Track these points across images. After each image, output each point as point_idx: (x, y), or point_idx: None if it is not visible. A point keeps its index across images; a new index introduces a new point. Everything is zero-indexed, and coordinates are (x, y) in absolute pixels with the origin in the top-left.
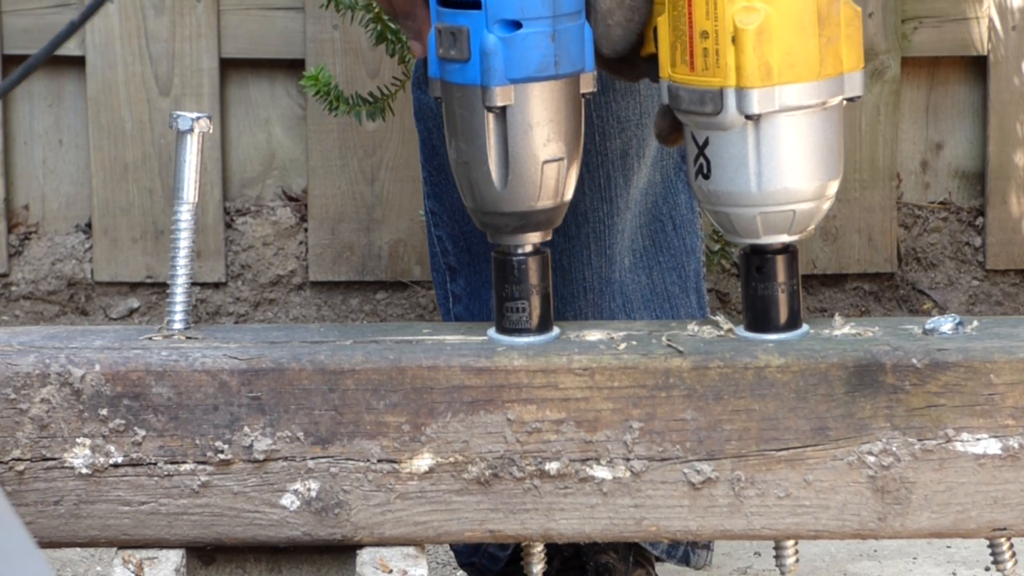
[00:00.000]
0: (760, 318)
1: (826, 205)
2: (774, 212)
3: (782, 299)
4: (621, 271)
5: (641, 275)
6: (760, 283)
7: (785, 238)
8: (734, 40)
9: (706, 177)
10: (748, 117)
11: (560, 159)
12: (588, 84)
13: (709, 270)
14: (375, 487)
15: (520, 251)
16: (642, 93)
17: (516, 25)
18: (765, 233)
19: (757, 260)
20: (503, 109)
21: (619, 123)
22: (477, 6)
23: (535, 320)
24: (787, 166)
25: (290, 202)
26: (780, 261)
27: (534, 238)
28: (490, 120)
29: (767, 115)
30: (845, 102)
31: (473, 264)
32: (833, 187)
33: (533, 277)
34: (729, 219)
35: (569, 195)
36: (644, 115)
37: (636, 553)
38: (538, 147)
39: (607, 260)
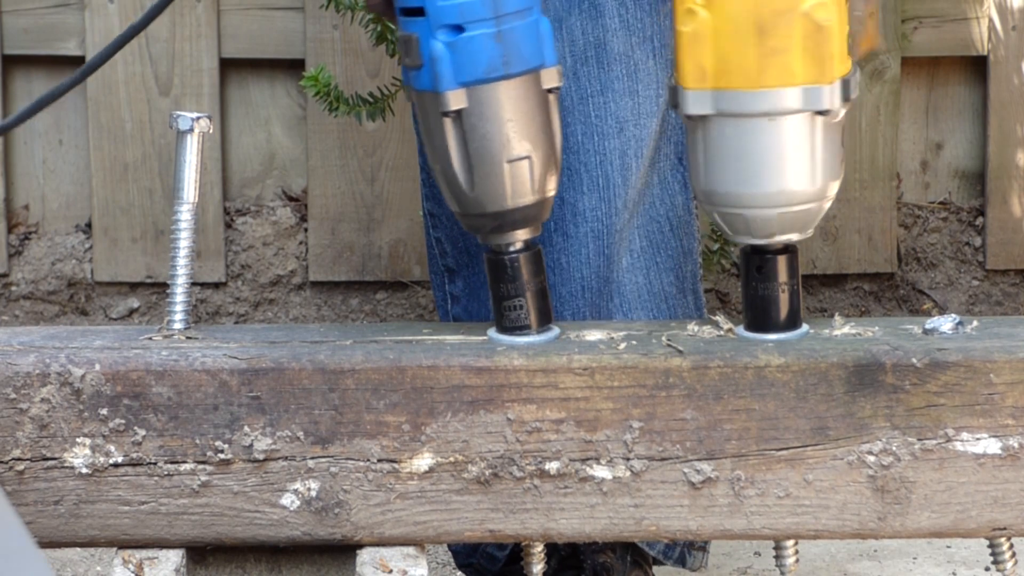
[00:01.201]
0: (760, 317)
1: (788, 209)
2: (726, 212)
3: (782, 299)
4: (619, 271)
5: (638, 275)
6: (759, 283)
7: (749, 239)
8: (677, 39)
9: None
10: (688, 117)
11: (525, 157)
12: (551, 79)
13: (709, 270)
14: (375, 487)
15: (511, 249)
16: (640, 94)
17: (459, 29)
18: (734, 233)
19: (757, 260)
20: (459, 112)
21: (617, 123)
22: (422, 13)
23: (534, 316)
24: (730, 170)
25: (290, 202)
26: (778, 261)
27: (521, 236)
28: (448, 124)
29: (710, 117)
30: (816, 115)
31: (471, 265)
32: (797, 195)
33: (526, 274)
34: (708, 215)
35: (551, 191)
36: (642, 116)
37: (634, 553)
38: (499, 148)
39: (606, 260)
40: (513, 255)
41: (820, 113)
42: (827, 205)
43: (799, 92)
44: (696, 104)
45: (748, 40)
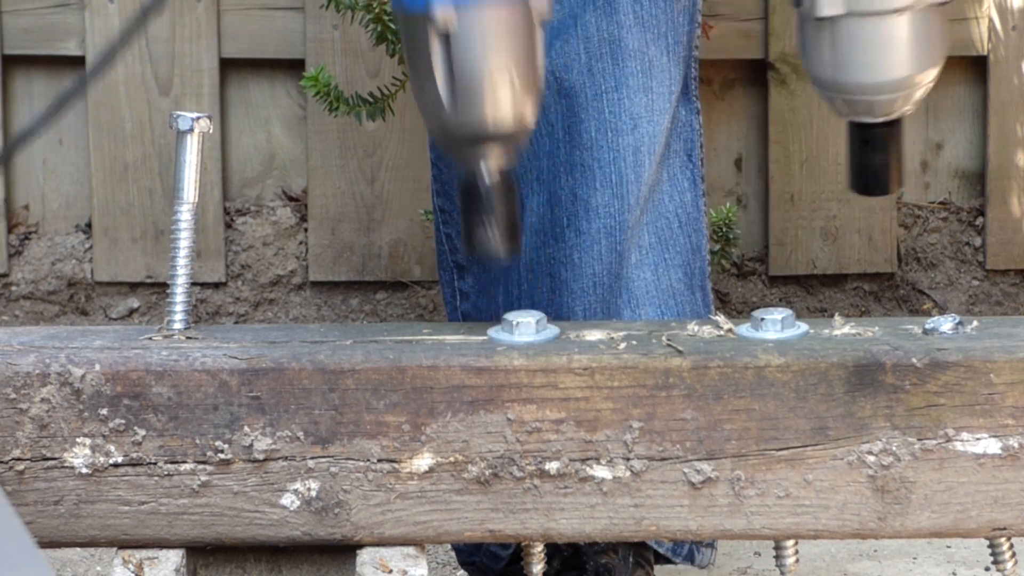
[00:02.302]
0: (871, 183)
1: (911, 92)
2: (852, 99)
3: (892, 164)
4: (628, 267)
5: (646, 272)
6: (867, 154)
7: (870, 119)
8: None
9: None
10: (819, 19)
11: (508, 83)
12: (541, 9)
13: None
14: (375, 487)
15: (486, 176)
16: (654, 91)
17: None
18: (853, 114)
19: (867, 133)
20: (446, 34)
21: (631, 120)
22: None
23: (503, 244)
24: (860, 64)
25: (290, 202)
26: (889, 132)
27: (498, 159)
28: (435, 44)
29: (841, 17)
30: (936, 6)
31: (481, 261)
32: (920, 78)
33: (499, 201)
34: (827, 99)
35: (528, 122)
36: (656, 112)
37: (636, 554)
38: (484, 71)
39: (617, 256)
40: (488, 183)
41: (944, 4)
42: (932, 83)
43: None
44: (829, 6)
45: None
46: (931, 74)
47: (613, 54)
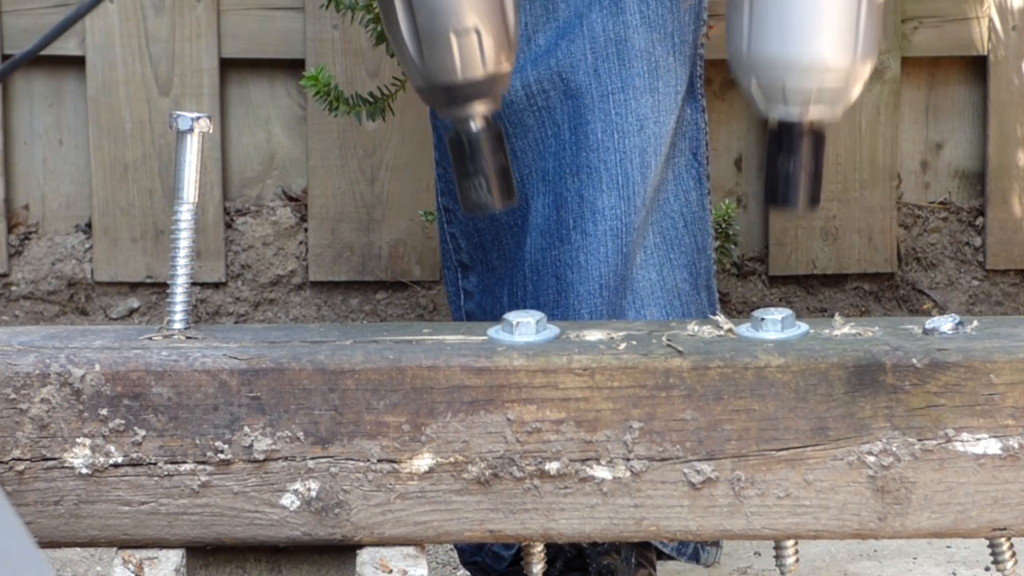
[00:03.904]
0: (781, 192)
1: (825, 80)
2: (764, 79)
3: (803, 176)
4: (633, 268)
5: (651, 272)
6: (780, 159)
7: (783, 108)
8: None
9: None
10: None
11: (473, 29)
12: None
13: None
14: (375, 487)
15: (471, 126)
16: (660, 91)
17: None
18: (767, 102)
19: (784, 135)
20: None
21: (638, 121)
22: None
23: (496, 194)
24: (775, 34)
25: (290, 202)
26: (805, 139)
27: (478, 110)
28: None
29: None
30: None
31: (485, 260)
32: (836, 65)
33: (486, 152)
34: (743, 86)
35: (505, 67)
36: (662, 113)
37: (638, 554)
38: (445, 20)
39: (624, 258)
40: (473, 133)
41: None
42: (858, 89)
43: None
44: None
45: None
46: (852, 66)
47: (619, 54)
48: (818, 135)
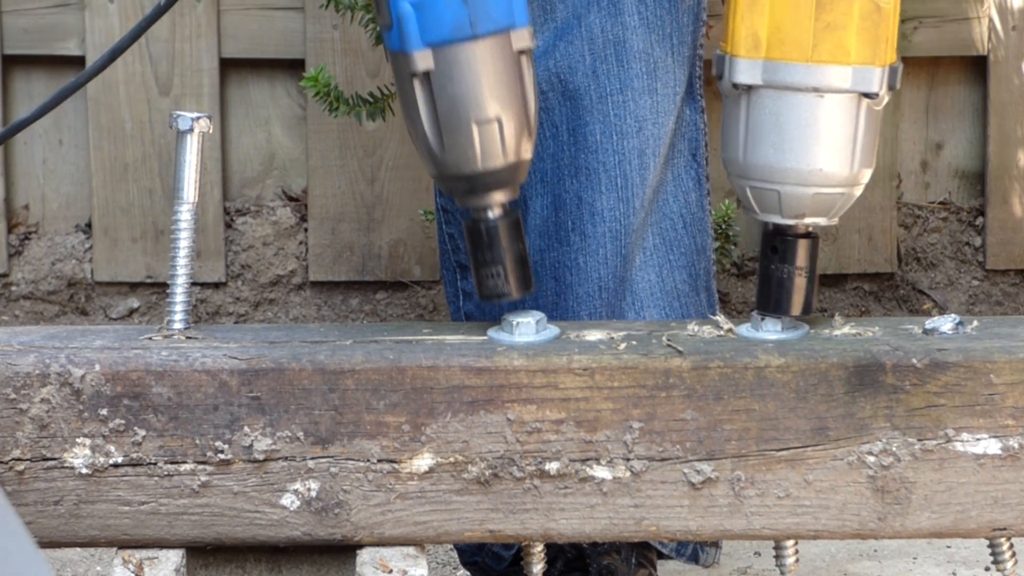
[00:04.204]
0: (773, 299)
1: (822, 190)
2: (760, 187)
3: (797, 283)
4: (632, 269)
5: (651, 273)
6: (777, 264)
7: (778, 218)
8: (732, 6)
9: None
10: (735, 86)
11: (495, 119)
12: (522, 40)
13: None
14: (375, 487)
15: (488, 216)
16: (659, 92)
17: None
18: (761, 211)
19: (778, 241)
20: (428, 74)
21: (636, 122)
22: None
23: (512, 283)
24: (770, 143)
25: (290, 202)
26: (800, 244)
27: (497, 199)
28: (416, 85)
29: (757, 88)
30: (863, 97)
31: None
32: (833, 176)
33: (504, 241)
34: (738, 190)
35: (525, 155)
36: (661, 114)
37: (638, 554)
38: (467, 109)
39: (623, 259)
40: (491, 222)
41: (867, 96)
42: (857, 193)
43: (850, 71)
44: (747, 73)
45: (806, 12)
46: (850, 176)
47: (618, 56)
48: (813, 240)
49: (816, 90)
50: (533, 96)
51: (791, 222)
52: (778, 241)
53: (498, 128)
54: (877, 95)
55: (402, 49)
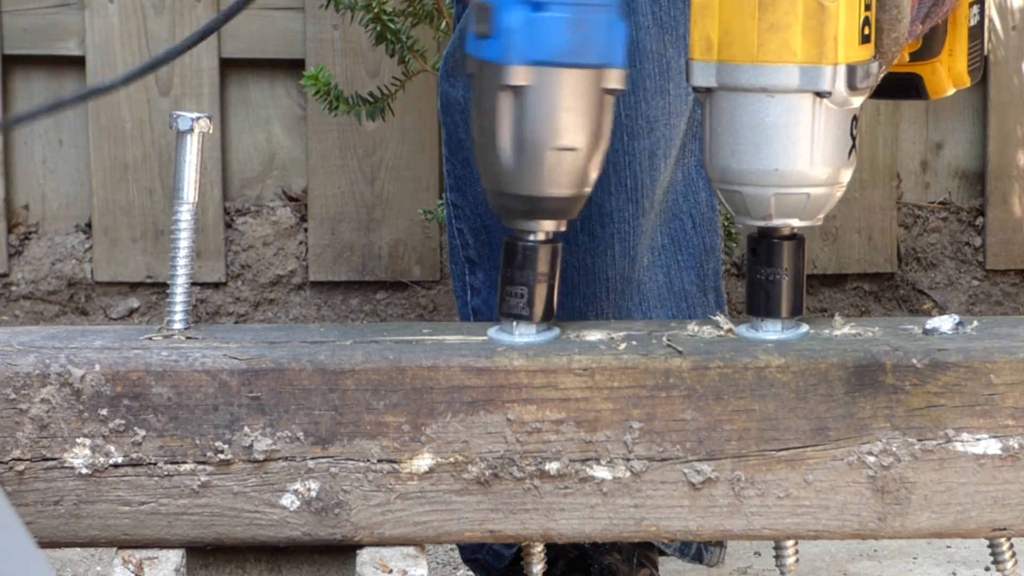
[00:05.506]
0: (758, 302)
1: (782, 191)
2: (726, 190)
3: (782, 284)
4: (640, 270)
5: (659, 273)
6: (760, 267)
7: (749, 220)
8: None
9: None
10: (696, 89)
11: (575, 149)
12: (613, 80)
13: None
14: (375, 487)
15: (531, 237)
16: (671, 93)
17: (538, 7)
18: (736, 213)
19: (759, 243)
20: (520, 89)
21: (648, 123)
22: None
23: (535, 309)
24: (728, 145)
25: (290, 202)
26: (780, 247)
27: (547, 226)
28: (504, 98)
29: (714, 91)
30: (818, 96)
31: (493, 258)
32: (790, 176)
33: (540, 265)
34: (716, 193)
35: (588, 189)
36: (672, 115)
37: (640, 555)
38: (552, 133)
39: (631, 261)
40: (531, 244)
41: (820, 95)
42: (836, 193)
43: (797, 70)
44: (701, 76)
45: (750, 13)
46: (810, 175)
47: (631, 55)
48: (797, 241)
49: (764, 90)
50: (607, 137)
51: (765, 224)
52: (759, 244)
53: (572, 158)
54: (831, 94)
55: (501, 60)
